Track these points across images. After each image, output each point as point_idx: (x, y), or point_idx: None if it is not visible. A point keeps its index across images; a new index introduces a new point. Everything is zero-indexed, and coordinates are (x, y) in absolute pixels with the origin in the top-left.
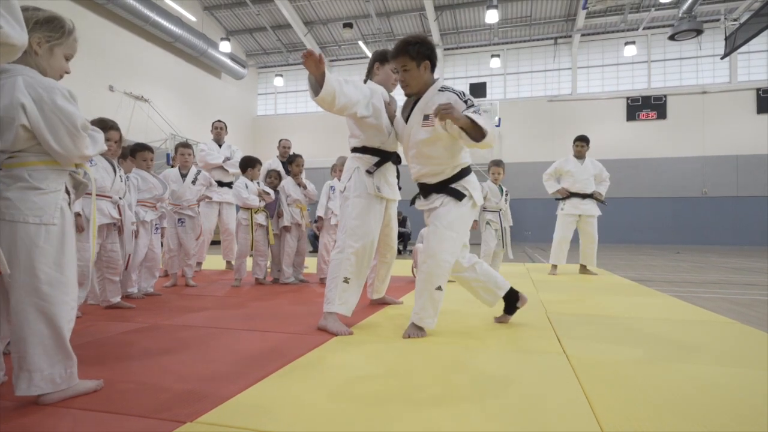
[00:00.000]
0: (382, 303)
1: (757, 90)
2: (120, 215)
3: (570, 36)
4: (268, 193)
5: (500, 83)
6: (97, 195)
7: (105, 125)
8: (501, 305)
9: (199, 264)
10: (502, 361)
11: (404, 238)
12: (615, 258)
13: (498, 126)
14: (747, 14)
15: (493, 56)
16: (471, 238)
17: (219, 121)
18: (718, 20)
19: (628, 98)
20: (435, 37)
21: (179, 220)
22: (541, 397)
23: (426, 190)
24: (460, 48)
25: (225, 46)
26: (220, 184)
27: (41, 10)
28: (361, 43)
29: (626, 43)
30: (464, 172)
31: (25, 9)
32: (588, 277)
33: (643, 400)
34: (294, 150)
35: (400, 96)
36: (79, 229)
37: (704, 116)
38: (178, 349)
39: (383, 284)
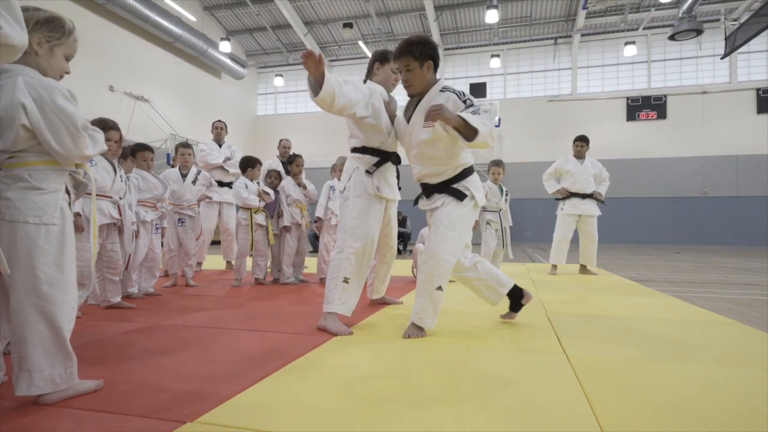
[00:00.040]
0: (382, 303)
1: (757, 90)
2: (120, 215)
3: (570, 36)
4: (267, 193)
5: (500, 83)
6: (97, 195)
7: (105, 125)
8: (505, 303)
9: (200, 264)
10: (502, 361)
11: (404, 238)
12: (615, 258)
13: (498, 126)
14: (747, 14)
15: (493, 56)
16: (471, 238)
17: (219, 121)
18: (718, 20)
19: (628, 98)
20: (435, 37)
21: (179, 220)
22: (541, 397)
23: (428, 190)
24: (460, 48)
25: (225, 46)
26: (221, 184)
27: (41, 11)
28: (361, 43)
29: (626, 43)
30: (466, 173)
31: (25, 9)
32: (588, 277)
33: (643, 400)
34: (294, 150)
35: (399, 96)
36: (79, 229)
37: (704, 116)
38: (178, 349)
39: (383, 284)
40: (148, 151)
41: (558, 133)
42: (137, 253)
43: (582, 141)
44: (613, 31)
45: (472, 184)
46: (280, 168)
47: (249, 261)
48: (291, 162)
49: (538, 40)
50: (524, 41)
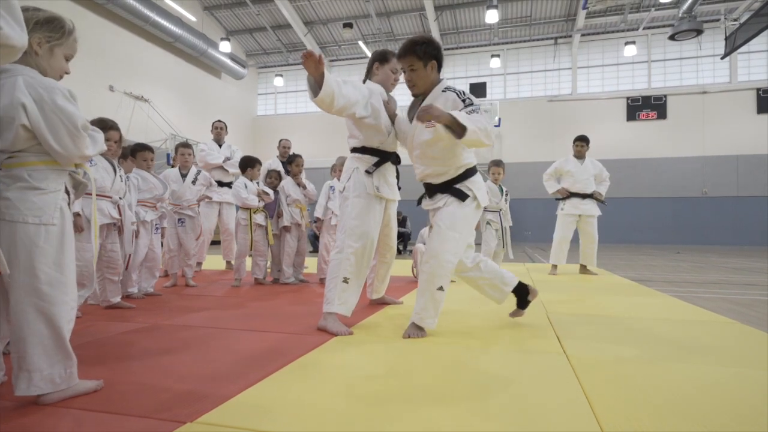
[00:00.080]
0: (381, 303)
1: (757, 90)
2: (120, 215)
3: (570, 36)
4: (267, 194)
5: (500, 83)
6: (97, 195)
7: (105, 125)
8: (511, 301)
9: (199, 264)
10: (502, 361)
11: (404, 238)
12: (615, 258)
13: (498, 126)
14: (747, 14)
15: (493, 56)
16: (474, 239)
17: (219, 121)
18: (718, 20)
19: (628, 98)
20: (435, 37)
21: (179, 220)
22: (541, 397)
23: (431, 190)
24: (460, 48)
25: (225, 46)
26: (220, 184)
27: (41, 11)
28: (361, 43)
29: (626, 43)
30: (469, 173)
31: (25, 9)
32: (588, 277)
33: (643, 400)
34: (294, 150)
35: (399, 96)
36: (78, 229)
37: (704, 116)
38: (178, 349)
39: (383, 284)
40: (148, 151)
41: (558, 133)
42: (137, 253)
43: (582, 141)
44: (613, 31)
45: (475, 184)
46: (280, 168)
47: (249, 261)
48: (291, 162)
49: (538, 40)
50: (524, 41)
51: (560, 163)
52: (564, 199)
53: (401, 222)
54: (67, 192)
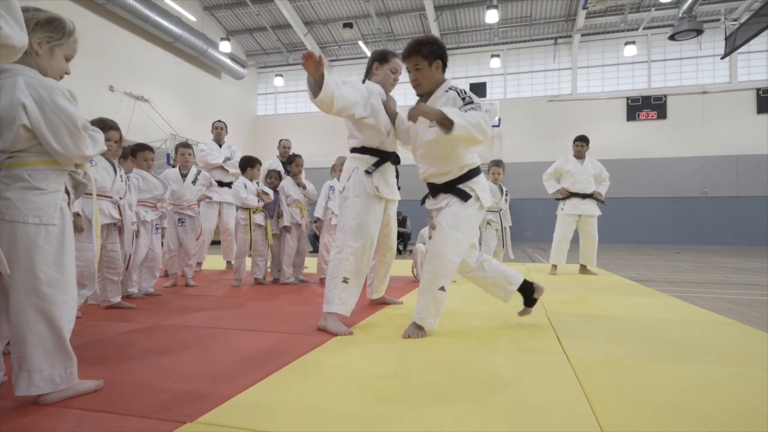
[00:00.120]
0: (381, 303)
1: (757, 90)
2: (120, 215)
3: (570, 36)
4: (266, 194)
5: (500, 83)
6: (97, 195)
7: (105, 125)
8: (513, 302)
9: (199, 264)
10: (502, 361)
11: (404, 238)
12: (615, 258)
13: (498, 126)
14: (747, 14)
15: (493, 56)
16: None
17: (219, 121)
18: (718, 20)
19: (628, 98)
20: None
21: (179, 220)
22: (541, 397)
23: (434, 190)
24: (460, 48)
25: (225, 46)
26: (220, 184)
27: (42, 11)
28: (361, 43)
29: (626, 43)
30: (472, 173)
31: (26, 10)
32: (588, 277)
33: (643, 400)
34: (294, 150)
35: (399, 96)
36: (78, 229)
37: (704, 116)
38: (178, 349)
39: (383, 284)
40: (149, 151)
41: (558, 133)
42: (137, 253)
43: (582, 141)
44: (613, 31)
45: (478, 184)
46: (280, 168)
47: (249, 261)
48: (290, 162)
49: (538, 40)
50: (524, 41)
51: (560, 163)
52: (564, 199)
53: (401, 222)
54: (67, 192)
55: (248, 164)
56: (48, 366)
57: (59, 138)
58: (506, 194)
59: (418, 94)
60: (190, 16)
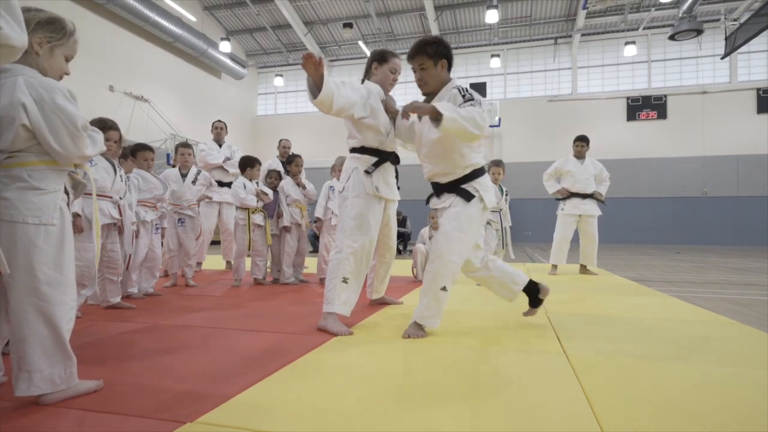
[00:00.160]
0: (381, 303)
1: (757, 90)
2: (120, 215)
3: (570, 36)
4: (265, 194)
5: (500, 83)
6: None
7: (104, 125)
8: (514, 302)
9: (199, 264)
10: (502, 361)
11: (404, 238)
12: (615, 258)
13: (498, 126)
14: (747, 14)
15: (493, 56)
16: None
17: (219, 121)
18: (718, 20)
19: (628, 98)
20: None
21: (179, 220)
22: (541, 397)
23: (438, 189)
24: (460, 48)
25: (225, 46)
26: (220, 184)
27: (43, 11)
28: (361, 43)
29: (626, 43)
30: (476, 173)
31: (27, 10)
32: (588, 277)
33: (643, 400)
34: (294, 150)
35: (399, 96)
36: (78, 229)
37: (704, 116)
38: (178, 349)
39: (383, 284)
40: (149, 151)
41: (558, 133)
42: (137, 253)
43: (582, 141)
44: (613, 31)
45: (482, 185)
46: (280, 168)
47: (249, 261)
48: (290, 162)
49: (538, 40)
50: (524, 41)
51: (560, 163)
52: (564, 199)
53: (401, 222)
54: (67, 192)
55: (248, 164)
56: (48, 366)
57: (59, 138)
58: (506, 194)
59: (423, 94)
60: (190, 16)
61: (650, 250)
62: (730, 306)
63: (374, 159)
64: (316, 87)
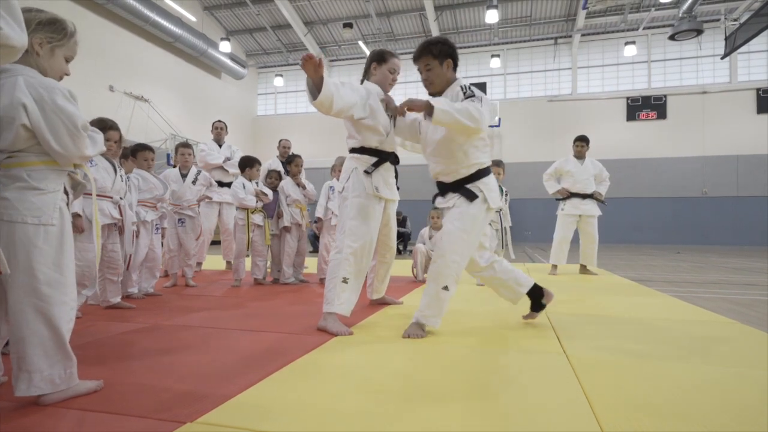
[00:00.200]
0: (381, 303)
1: (757, 90)
2: (121, 215)
3: (570, 36)
4: (265, 194)
5: (500, 83)
6: (97, 195)
7: (104, 125)
8: (518, 303)
9: (199, 264)
10: (502, 361)
11: (404, 238)
12: (615, 258)
13: (498, 126)
14: (747, 14)
15: (493, 56)
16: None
17: (219, 121)
18: (718, 20)
19: (628, 98)
20: None
21: (179, 220)
22: (541, 397)
23: (443, 188)
24: (460, 48)
25: (225, 46)
26: (220, 184)
27: (43, 12)
28: (361, 43)
29: (626, 43)
30: (481, 173)
31: (27, 10)
32: (588, 277)
33: (643, 400)
34: (294, 150)
35: (399, 96)
36: (78, 229)
37: (704, 116)
38: (178, 349)
39: (383, 284)
40: (149, 151)
41: (558, 133)
42: (137, 253)
43: (582, 141)
44: (613, 31)
45: (486, 185)
46: (280, 168)
47: (249, 261)
48: (290, 162)
49: (538, 40)
50: (524, 41)
51: (560, 163)
52: (564, 199)
53: (401, 222)
54: (66, 192)
55: (247, 164)
56: (48, 366)
57: (59, 138)
58: (506, 194)
59: (430, 94)
60: (190, 16)
61: (650, 250)
62: (730, 306)
63: (374, 159)
64: (315, 88)
